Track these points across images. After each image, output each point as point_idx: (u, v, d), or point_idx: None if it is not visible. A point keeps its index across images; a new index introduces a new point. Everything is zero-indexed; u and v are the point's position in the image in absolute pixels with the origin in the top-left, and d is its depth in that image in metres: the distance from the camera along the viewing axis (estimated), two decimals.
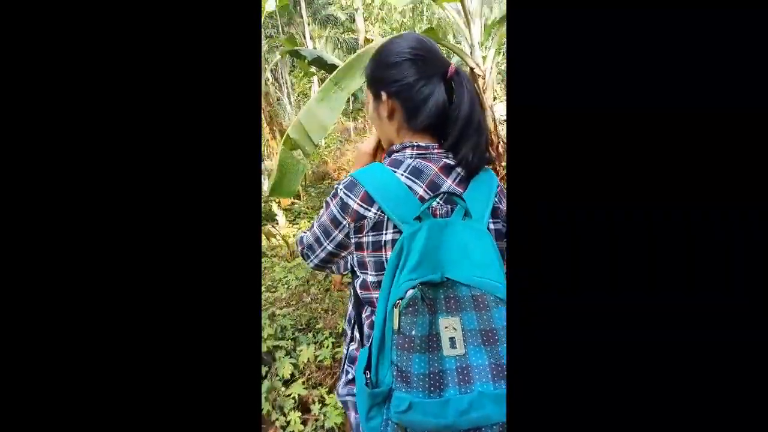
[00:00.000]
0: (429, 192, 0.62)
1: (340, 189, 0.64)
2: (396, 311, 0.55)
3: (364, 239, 0.62)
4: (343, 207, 0.63)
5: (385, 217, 0.60)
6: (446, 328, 0.56)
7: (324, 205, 0.67)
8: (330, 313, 2.43)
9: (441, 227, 0.59)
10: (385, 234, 0.61)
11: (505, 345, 0.54)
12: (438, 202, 0.62)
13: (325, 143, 7.04)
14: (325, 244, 0.67)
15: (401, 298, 0.55)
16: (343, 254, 0.68)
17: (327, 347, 2.01)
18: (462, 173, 0.65)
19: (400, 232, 0.59)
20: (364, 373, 0.60)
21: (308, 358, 1.90)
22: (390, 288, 0.57)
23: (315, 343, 2.09)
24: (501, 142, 3.50)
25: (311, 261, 0.72)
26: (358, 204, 0.62)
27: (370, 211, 0.61)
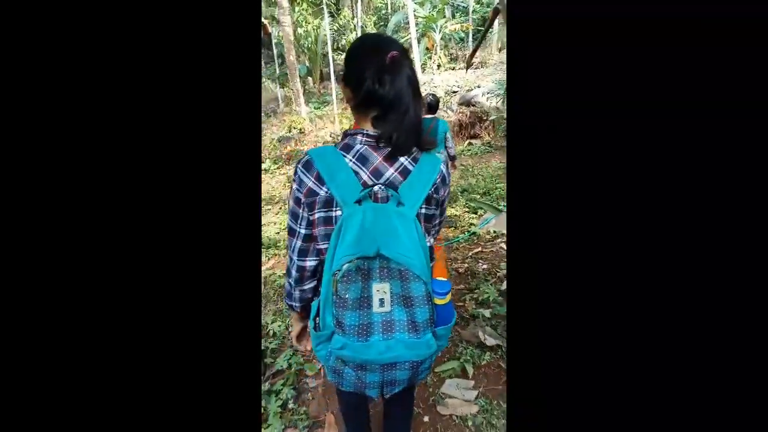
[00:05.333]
0: (372, 178, 0.73)
1: (299, 168, 0.75)
2: (334, 279, 0.70)
3: (316, 215, 0.74)
4: (300, 183, 0.74)
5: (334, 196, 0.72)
6: (378, 291, 0.71)
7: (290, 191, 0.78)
8: None
9: (377, 211, 0.70)
10: (336, 210, 0.73)
11: (419, 308, 0.72)
12: (380, 188, 0.73)
13: None
14: (298, 228, 0.77)
15: (339, 270, 0.69)
16: (314, 234, 0.77)
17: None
18: (404, 163, 0.75)
19: None
20: (314, 319, 0.80)
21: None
22: (332, 260, 0.70)
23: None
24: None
25: (294, 264, 0.80)
26: (312, 182, 0.73)
27: (321, 189, 0.72)
